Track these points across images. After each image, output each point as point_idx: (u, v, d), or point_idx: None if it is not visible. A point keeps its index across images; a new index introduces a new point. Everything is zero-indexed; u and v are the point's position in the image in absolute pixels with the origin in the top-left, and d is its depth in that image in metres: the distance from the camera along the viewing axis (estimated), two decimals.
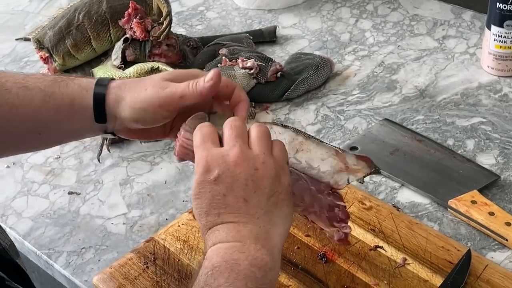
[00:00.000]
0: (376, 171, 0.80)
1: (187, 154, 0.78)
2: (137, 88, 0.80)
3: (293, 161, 0.79)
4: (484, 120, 1.16)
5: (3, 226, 1.02)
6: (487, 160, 1.07)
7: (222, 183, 0.69)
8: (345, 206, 0.82)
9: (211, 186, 0.69)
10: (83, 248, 0.98)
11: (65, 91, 0.82)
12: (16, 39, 1.56)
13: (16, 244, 1.02)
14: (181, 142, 0.77)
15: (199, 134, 0.73)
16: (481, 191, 0.99)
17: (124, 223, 1.02)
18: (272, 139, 0.74)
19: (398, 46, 1.39)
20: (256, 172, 0.70)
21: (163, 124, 0.83)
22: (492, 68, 1.26)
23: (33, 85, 0.82)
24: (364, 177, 0.79)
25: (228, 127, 0.73)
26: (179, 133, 0.78)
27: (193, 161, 0.74)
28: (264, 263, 0.67)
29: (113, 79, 0.84)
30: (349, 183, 0.80)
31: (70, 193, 1.09)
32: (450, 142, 1.12)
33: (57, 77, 0.84)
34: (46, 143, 0.88)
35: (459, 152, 1.09)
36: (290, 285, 0.86)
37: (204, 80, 0.78)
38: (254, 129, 0.73)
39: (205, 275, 0.65)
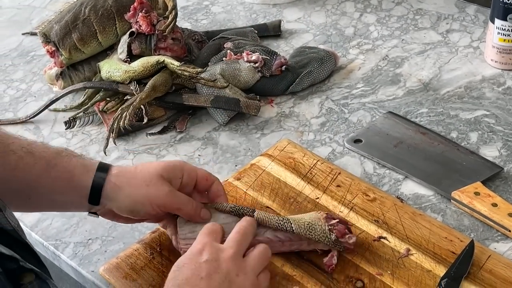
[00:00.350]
0: None
1: None
2: (137, 181, 0.85)
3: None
4: (488, 113, 1.16)
5: None
6: (490, 152, 1.08)
7: (205, 268, 0.76)
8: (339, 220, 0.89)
9: (196, 266, 0.76)
10: (89, 239, 0.99)
11: (67, 166, 0.85)
12: (23, 34, 1.57)
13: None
14: (183, 247, 0.87)
15: (209, 229, 0.82)
16: (484, 183, 1.00)
17: None
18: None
19: (402, 40, 1.40)
20: (236, 278, 0.76)
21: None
22: (495, 62, 1.27)
23: (38, 153, 0.85)
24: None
25: (237, 228, 0.82)
26: (178, 238, 0.88)
27: None
28: None
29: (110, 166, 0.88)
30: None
31: None
32: (453, 134, 1.12)
33: (61, 151, 0.87)
34: (30, 207, 0.90)
35: (462, 144, 1.10)
36: (295, 275, 0.87)
37: (201, 215, 0.87)
38: (260, 248, 0.81)
39: None
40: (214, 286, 0.74)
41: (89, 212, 0.89)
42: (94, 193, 0.85)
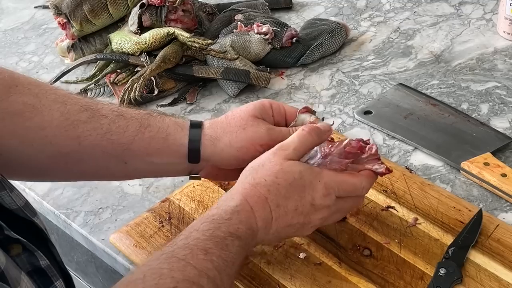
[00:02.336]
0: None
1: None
2: (232, 127, 0.83)
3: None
4: (499, 84, 1.15)
5: (22, 186, 1.05)
6: (501, 123, 1.07)
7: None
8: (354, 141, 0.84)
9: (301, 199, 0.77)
10: (100, 208, 1.00)
11: (160, 125, 0.83)
12: (35, 7, 1.58)
13: (35, 205, 1.04)
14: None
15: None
16: (494, 153, 0.99)
17: (140, 185, 1.04)
18: None
19: (414, 12, 1.39)
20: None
21: None
22: (508, 33, 1.26)
23: (129, 115, 0.83)
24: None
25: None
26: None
27: None
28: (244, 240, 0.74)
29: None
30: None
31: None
32: (464, 106, 1.12)
33: (151, 112, 0.85)
34: (127, 174, 0.88)
35: (473, 116, 1.09)
36: (302, 244, 0.87)
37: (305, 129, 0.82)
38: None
39: (229, 234, 0.72)
40: (298, 204, 0.77)
41: (191, 176, 0.87)
42: (193, 149, 0.83)
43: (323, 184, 0.78)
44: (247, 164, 0.81)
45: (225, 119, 0.84)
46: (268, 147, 0.81)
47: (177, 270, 0.66)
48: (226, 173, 0.88)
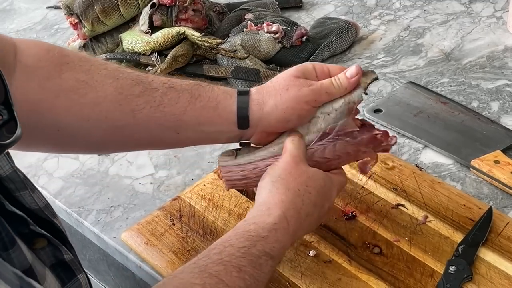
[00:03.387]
0: (375, 76, 0.84)
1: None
2: (277, 90, 0.82)
3: (319, 126, 0.83)
4: (510, 82, 1.15)
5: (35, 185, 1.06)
6: (511, 121, 1.07)
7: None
8: (384, 131, 0.85)
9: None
10: (111, 206, 1.01)
11: (211, 95, 0.83)
12: (47, 7, 1.59)
13: None
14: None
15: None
16: (504, 151, 1.00)
17: (151, 183, 1.04)
18: None
19: (425, 10, 1.39)
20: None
21: None
22: None
23: (179, 86, 0.84)
24: (368, 85, 0.84)
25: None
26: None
27: None
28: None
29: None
30: (362, 98, 0.84)
31: (99, 154, 1.11)
32: (474, 104, 1.12)
33: (200, 82, 0.86)
34: (179, 142, 0.88)
35: (483, 114, 1.09)
36: (312, 241, 0.88)
37: (347, 75, 0.82)
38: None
39: (261, 252, 0.72)
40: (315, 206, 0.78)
41: (241, 143, 0.87)
42: (241, 116, 0.83)
43: (336, 189, 0.82)
44: (296, 125, 0.83)
45: (270, 84, 0.84)
46: (315, 102, 0.82)
47: (209, 286, 0.66)
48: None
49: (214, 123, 0.83)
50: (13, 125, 0.61)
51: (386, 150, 0.85)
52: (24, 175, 0.70)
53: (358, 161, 0.86)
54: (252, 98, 0.83)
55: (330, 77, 0.85)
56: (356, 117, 0.84)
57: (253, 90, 0.84)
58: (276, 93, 0.82)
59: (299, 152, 0.81)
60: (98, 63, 0.84)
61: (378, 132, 0.84)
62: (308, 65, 0.85)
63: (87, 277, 0.73)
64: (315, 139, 0.83)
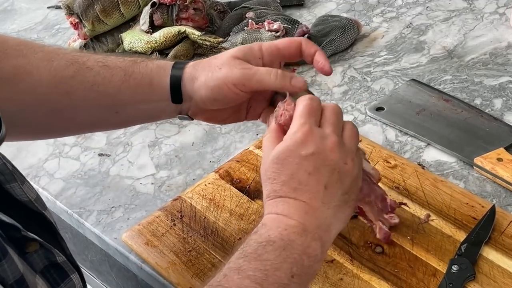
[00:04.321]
0: None
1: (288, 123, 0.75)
2: (211, 67, 0.80)
3: None
4: None
5: (36, 186, 1.05)
6: None
7: (312, 162, 0.69)
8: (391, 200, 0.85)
9: (300, 159, 0.69)
10: (112, 207, 1.01)
11: (144, 71, 0.82)
12: (48, 7, 1.59)
13: (48, 204, 1.05)
14: (285, 112, 0.76)
15: (308, 105, 0.73)
16: (507, 149, 0.99)
17: (152, 183, 1.04)
18: None
19: (427, 7, 1.38)
20: (344, 166, 0.71)
21: (239, 108, 0.84)
22: None
23: (114, 64, 0.82)
24: None
25: (331, 111, 0.74)
26: (282, 103, 0.76)
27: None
28: (315, 254, 0.67)
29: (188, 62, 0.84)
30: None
31: (100, 154, 1.11)
32: (477, 101, 1.11)
33: (136, 58, 0.85)
34: (121, 122, 0.89)
35: (486, 111, 1.08)
36: None
37: (292, 82, 0.78)
38: (349, 125, 0.74)
39: (258, 244, 0.66)
40: (324, 180, 0.69)
41: (179, 117, 0.85)
42: (174, 89, 0.81)
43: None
44: (224, 106, 0.81)
45: (208, 60, 0.82)
46: (243, 87, 0.78)
47: None
48: (214, 115, 0.85)
49: (150, 100, 0.83)
50: None
51: (387, 238, 0.85)
52: (13, 166, 0.70)
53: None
54: (186, 71, 0.81)
55: (281, 56, 0.81)
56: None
57: (190, 63, 0.83)
58: (209, 69, 0.80)
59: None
60: (36, 45, 0.83)
61: (389, 200, 0.83)
62: (254, 46, 0.81)
63: (81, 276, 0.73)
64: None
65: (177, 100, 0.82)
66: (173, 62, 0.84)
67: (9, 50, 0.80)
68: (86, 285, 0.75)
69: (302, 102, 0.74)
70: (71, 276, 0.70)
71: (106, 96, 0.82)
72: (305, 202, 0.69)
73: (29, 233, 0.65)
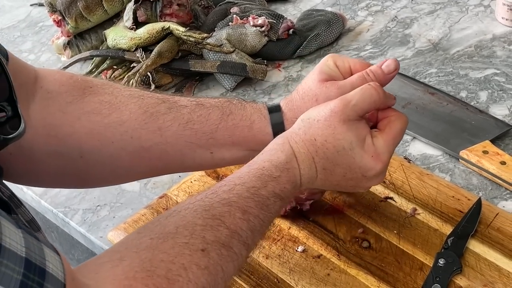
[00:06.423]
0: None
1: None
2: (307, 103, 0.78)
3: None
4: (498, 71, 1.14)
5: (20, 185, 1.04)
6: (500, 111, 1.06)
7: (355, 177, 0.75)
8: None
9: (354, 173, 0.74)
10: (98, 205, 1.00)
11: (243, 113, 0.80)
12: (31, 5, 1.57)
13: (33, 204, 1.05)
14: None
15: (403, 131, 0.79)
16: (493, 141, 0.99)
17: (138, 181, 1.03)
18: None
19: (412, 0, 1.37)
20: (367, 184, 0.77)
21: None
22: (506, 19, 1.25)
23: (208, 103, 0.80)
24: None
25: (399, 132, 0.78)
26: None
27: None
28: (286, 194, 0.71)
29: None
30: None
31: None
32: (463, 94, 1.11)
33: (231, 99, 0.82)
34: (216, 162, 0.83)
35: (472, 103, 1.08)
36: (301, 237, 0.87)
37: (384, 70, 0.78)
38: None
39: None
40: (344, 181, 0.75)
41: None
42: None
43: (376, 158, 0.74)
44: None
45: (298, 96, 0.80)
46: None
47: (210, 229, 0.63)
48: None
49: (250, 143, 0.80)
50: (17, 122, 0.60)
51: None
52: (12, 194, 0.68)
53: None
54: (286, 118, 0.80)
55: (351, 72, 0.80)
56: None
57: (284, 106, 0.80)
58: (307, 106, 0.78)
59: (346, 100, 0.73)
60: (122, 86, 0.82)
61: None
62: (330, 64, 0.80)
63: None
64: None
65: None
66: (266, 106, 0.81)
67: (95, 88, 0.78)
68: None
69: (403, 123, 0.78)
70: None
71: (202, 134, 0.78)
72: (325, 169, 0.73)
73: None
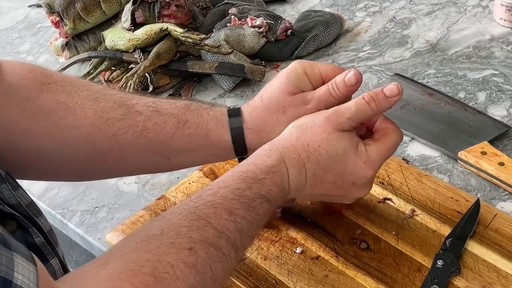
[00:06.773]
0: None
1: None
2: (272, 114, 0.78)
3: None
4: (496, 72, 1.14)
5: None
6: (498, 111, 1.06)
7: (345, 183, 0.77)
8: None
9: (344, 178, 0.76)
10: (96, 207, 1.00)
11: (199, 121, 0.79)
12: (29, 6, 1.57)
13: None
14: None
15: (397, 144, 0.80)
16: (491, 142, 0.99)
17: (136, 182, 1.03)
18: None
19: (410, 1, 1.37)
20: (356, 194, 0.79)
21: None
22: (504, 20, 1.25)
23: (165, 110, 0.80)
24: None
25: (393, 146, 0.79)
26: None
27: None
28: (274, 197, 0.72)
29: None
30: None
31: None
32: (461, 95, 1.11)
33: (189, 104, 0.81)
34: (174, 167, 0.85)
35: (470, 104, 1.08)
36: (299, 238, 0.87)
37: (346, 82, 0.78)
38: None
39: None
40: (341, 180, 0.76)
41: (239, 158, 0.82)
42: (238, 146, 0.79)
43: (368, 165, 0.75)
44: None
45: (262, 104, 0.79)
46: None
47: (196, 229, 0.63)
48: None
49: (207, 150, 0.80)
50: None
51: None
52: (7, 173, 0.68)
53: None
54: (247, 127, 0.79)
55: (323, 80, 0.79)
56: None
57: (246, 112, 0.80)
58: (272, 117, 0.78)
59: (340, 112, 0.75)
60: (81, 84, 0.80)
61: None
62: (299, 72, 0.79)
63: (62, 263, 0.70)
64: None
65: (242, 153, 0.80)
66: (226, 112, 0.80)
67: (53, 85, 0.77)
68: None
69: (399, 138, 0.80)
70: (51, 261, 0.67)
71: (157, 143, 0.79)
72: (314, 176, 0.75)
73: (6, 207, 0.63)
